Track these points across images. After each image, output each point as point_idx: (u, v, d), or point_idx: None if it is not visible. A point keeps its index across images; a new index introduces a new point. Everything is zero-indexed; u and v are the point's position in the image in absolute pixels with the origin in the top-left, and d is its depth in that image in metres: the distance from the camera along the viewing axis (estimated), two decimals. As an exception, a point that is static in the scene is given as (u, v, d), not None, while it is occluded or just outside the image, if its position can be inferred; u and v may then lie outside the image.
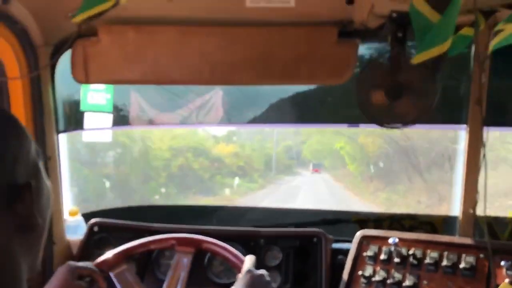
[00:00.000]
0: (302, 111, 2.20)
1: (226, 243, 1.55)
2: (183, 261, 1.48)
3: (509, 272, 1.40)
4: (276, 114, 2.38)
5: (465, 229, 1.76)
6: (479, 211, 1.73)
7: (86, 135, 2.38)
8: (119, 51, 1.73)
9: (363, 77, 1.54)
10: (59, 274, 1.30)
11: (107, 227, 1.93)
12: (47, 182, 0.82)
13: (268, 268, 1.76)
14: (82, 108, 2.11)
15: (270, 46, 1.74)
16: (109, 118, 2.16)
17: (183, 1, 1.59)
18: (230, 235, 1.83)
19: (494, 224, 1.95)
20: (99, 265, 1.45)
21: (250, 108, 2.55)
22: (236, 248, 1.67)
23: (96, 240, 1.91)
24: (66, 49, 1.74)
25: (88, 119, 2.11)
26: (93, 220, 1.94)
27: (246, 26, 1.72)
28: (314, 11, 1.63)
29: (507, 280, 1.38)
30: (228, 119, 2.90)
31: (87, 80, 1.78)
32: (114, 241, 1.84)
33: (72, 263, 1.34)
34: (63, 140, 1.92)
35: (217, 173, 16.80)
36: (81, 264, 1.36)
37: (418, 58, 1.32)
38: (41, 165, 0.80)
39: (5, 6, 1.55)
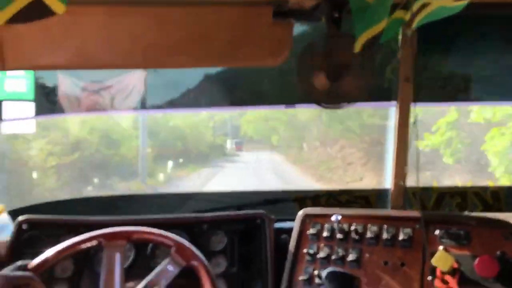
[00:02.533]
0: (235, 92, 2.17)
1: (171, 232, 1.50)
2: (115, 256, 1.41)
3: (442, 240, 1.51)
4: (205, 96, 2.30)
5: (396, 200, 1.88)
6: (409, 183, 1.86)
7: (6, 127, 2.16)
8: (39, 34, 1.59)
9: (303, 59, 1.54)
10: None
11: (37, 223, 1.79)
12: None
13: (213, 253, 1.76)
14: (-1, 97, 1.91)
15: (204, 27, 1.68)
16: (31, 106, 1.98)
17: None
18: (172, 223, 1.79)
19: (421, 194, 2.09)
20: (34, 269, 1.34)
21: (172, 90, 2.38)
22: (181, 236, 1.64)
23: (26, 238, 1.76)
24: (-23, 33, 1.56)
25: (7, 109, 1.92)
26: (21, 217, 1.79)
27: (179, 6, 1.64)
28: None
29: (441, 247, 1.49)
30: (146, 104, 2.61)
31: (3, 67, 1.62)
32: (46, 238, 1.72)
33: (7, 272, 1.22)
34: None
35: None
36: (18, 273, 1.25)
37: (359, 43, 1.34)
38: None
39: None
